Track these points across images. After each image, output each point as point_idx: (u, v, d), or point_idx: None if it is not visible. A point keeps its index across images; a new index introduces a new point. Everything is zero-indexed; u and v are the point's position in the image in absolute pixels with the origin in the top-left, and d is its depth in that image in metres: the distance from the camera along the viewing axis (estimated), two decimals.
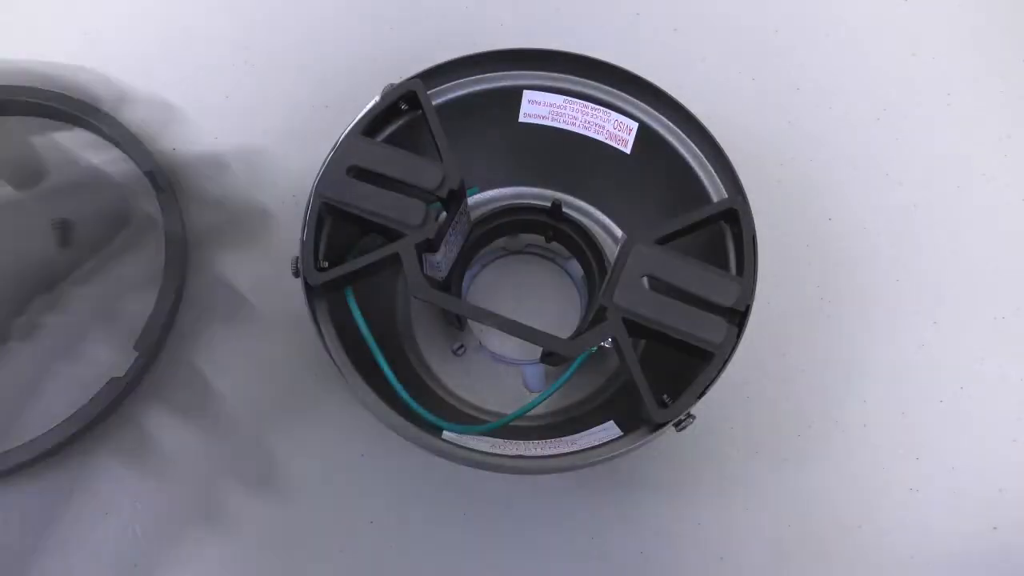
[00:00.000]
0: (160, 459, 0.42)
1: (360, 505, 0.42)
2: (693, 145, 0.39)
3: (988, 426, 0.43)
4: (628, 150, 0.40)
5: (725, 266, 0.37)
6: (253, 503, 0.41)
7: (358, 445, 0.42)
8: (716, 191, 0.38)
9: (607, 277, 0.35)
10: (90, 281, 0.45)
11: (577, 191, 0.44)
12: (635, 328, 0.34)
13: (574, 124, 0.40)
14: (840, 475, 0.42)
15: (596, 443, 0.34)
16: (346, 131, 0.36)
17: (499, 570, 0.41)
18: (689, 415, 0.34)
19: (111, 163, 0.47)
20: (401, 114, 0.37)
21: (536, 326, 0.34)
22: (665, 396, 0.34)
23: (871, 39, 0.51)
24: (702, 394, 0.34)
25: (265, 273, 0.45)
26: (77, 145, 0.47)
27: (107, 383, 0.41)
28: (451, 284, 0.40)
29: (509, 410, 0.37)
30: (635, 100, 0.39)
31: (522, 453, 0.34)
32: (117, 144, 0.46)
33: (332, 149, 0.35)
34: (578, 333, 0.40)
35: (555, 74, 0.39)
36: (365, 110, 0.36)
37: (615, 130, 0.40)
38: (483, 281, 0.45)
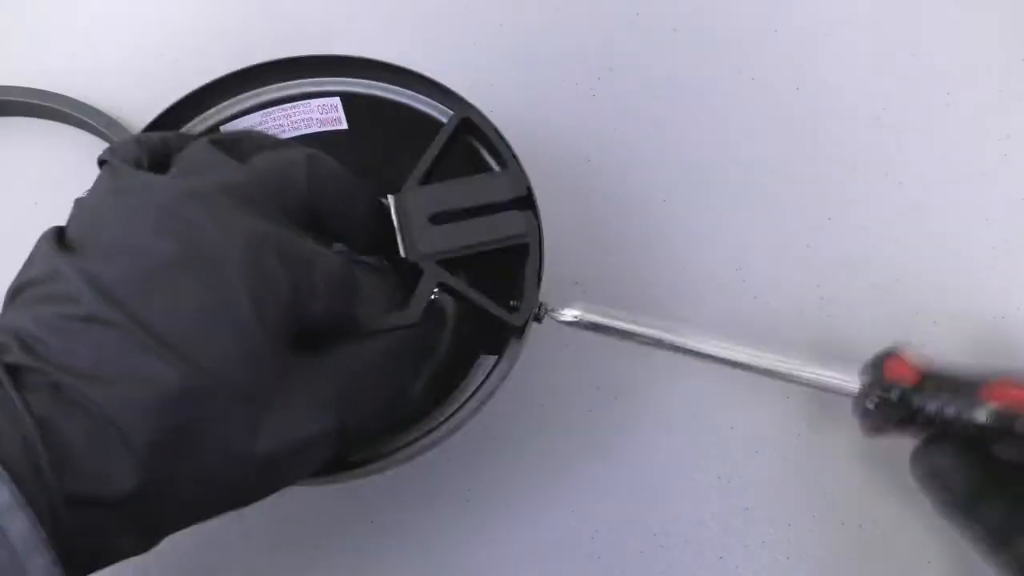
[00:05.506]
0: None
1: (361, 505, 0.42)
2: (405, 90, 0.39)
3: None
4: (345, 126, 0.40)
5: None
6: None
7: None
8: (446, 116, 0.38)
9: (399, 238, 0.35)
10: None
11: None
12: (450, 264, 0.34)
13: (283, 130, 0.40)
14: (841, 474, 0.42)
15: (484, 375, 0.35)
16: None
17: (499, 570, 0.41)
18: (542, 305, 0.35)
19: None
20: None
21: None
22: (512, 302, 0.35)
23: (871, 39, 0.51)
24: (539, 281, 0.35)
25: None
26: (77, 145, 0.48)
27: None
28: None
29: None
30: (328, 79, 0.39)
31: (430, 426, 0.34)
32: None
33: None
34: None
35: (247, 94, 0.39)
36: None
37: (323, 114, 0.40)
38: None
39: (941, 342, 0.45)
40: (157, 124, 0.37)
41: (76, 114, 0.46)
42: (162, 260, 0.26)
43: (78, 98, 0.47)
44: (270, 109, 0.39)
